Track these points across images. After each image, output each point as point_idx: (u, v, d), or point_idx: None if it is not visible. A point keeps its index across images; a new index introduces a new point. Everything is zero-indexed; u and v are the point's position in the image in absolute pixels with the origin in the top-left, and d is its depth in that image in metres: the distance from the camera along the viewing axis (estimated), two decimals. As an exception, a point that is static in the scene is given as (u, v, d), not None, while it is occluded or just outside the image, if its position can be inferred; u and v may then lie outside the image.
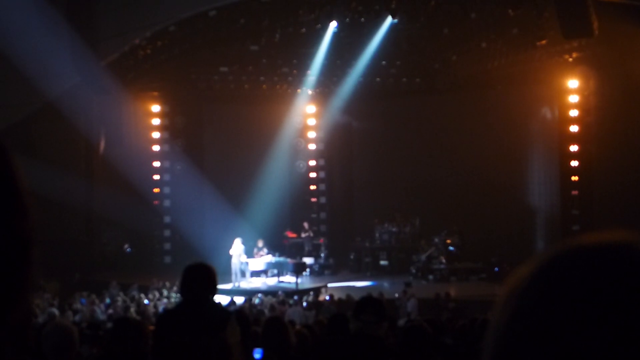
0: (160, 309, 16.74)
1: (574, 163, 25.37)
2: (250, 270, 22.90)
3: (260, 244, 23.60)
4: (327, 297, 19.35)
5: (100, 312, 16.75)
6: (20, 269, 0.84)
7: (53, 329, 4.51)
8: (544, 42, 22.35)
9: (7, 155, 0.85)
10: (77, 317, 15.34)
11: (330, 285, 22.64)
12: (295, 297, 19.06)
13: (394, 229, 25.96)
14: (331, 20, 22.28)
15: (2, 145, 0.86)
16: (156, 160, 27.73)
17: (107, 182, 24.44)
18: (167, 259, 27.02)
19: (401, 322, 13.58)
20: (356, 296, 16.37)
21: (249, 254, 23.08)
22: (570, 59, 24.28)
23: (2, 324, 0.82)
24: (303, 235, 26.62)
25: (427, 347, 5.27)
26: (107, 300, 18.54)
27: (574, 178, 25.39)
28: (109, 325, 12.14)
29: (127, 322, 6.05)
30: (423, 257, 24.42)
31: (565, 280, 0.74)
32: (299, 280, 22.18)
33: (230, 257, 22.00)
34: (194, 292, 4.65)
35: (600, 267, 0.74)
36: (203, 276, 4.70)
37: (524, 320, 0.74)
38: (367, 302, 4.77)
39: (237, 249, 22.05)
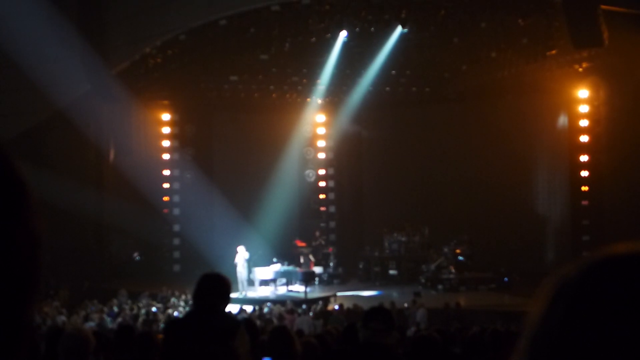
0: (170, 317, 16.69)
1: (584, 173, 25.31)
2: (258, 279, 22.87)
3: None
4: (336, 307, 19.29)
5: (109, 320, 16.73)
6: (26, 274, 0.83)
7: (69, 335, 4.50)
8: (554, 52, 22.29)
9: (8, 158, 0.84)
10: (87, 325, 15.30)
11: (339, 294, 22.57)
12: (304, 306, 18.99)
13: (403, 239, 25.88)
14: (341, 30, 22.28)
15: (3, 149, 0.85)
16: (166, 168, 27.80)
17: (117, 191, 24.49)
18: (177, 267, 27.03)
19: (410, 332, 13.55)
20: (365, 306, 16.32)
21: (256, 262, 23.02)
22: (581, 69, 24.24)
23: (9, 329, 0.81)
24: (314, 243, 26.57)
25: (437, 357, 5.24)
26: (115, 309, 18.52)
27: (584, 188, 25.32)
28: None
29: (131, 331, 6.05)
30: (432, 266, 24.32)
31: (620, 283, 0.76)
32: (308, 289, 22.15)
33: (235, 265, 21.86)
34: (207, 301, 4.65)
35: None
36: (217, 286, 4.71)
37: (579, 318, 0.76)
38: (376, 311, 4.76)
39: (241, 256, 21.93)
